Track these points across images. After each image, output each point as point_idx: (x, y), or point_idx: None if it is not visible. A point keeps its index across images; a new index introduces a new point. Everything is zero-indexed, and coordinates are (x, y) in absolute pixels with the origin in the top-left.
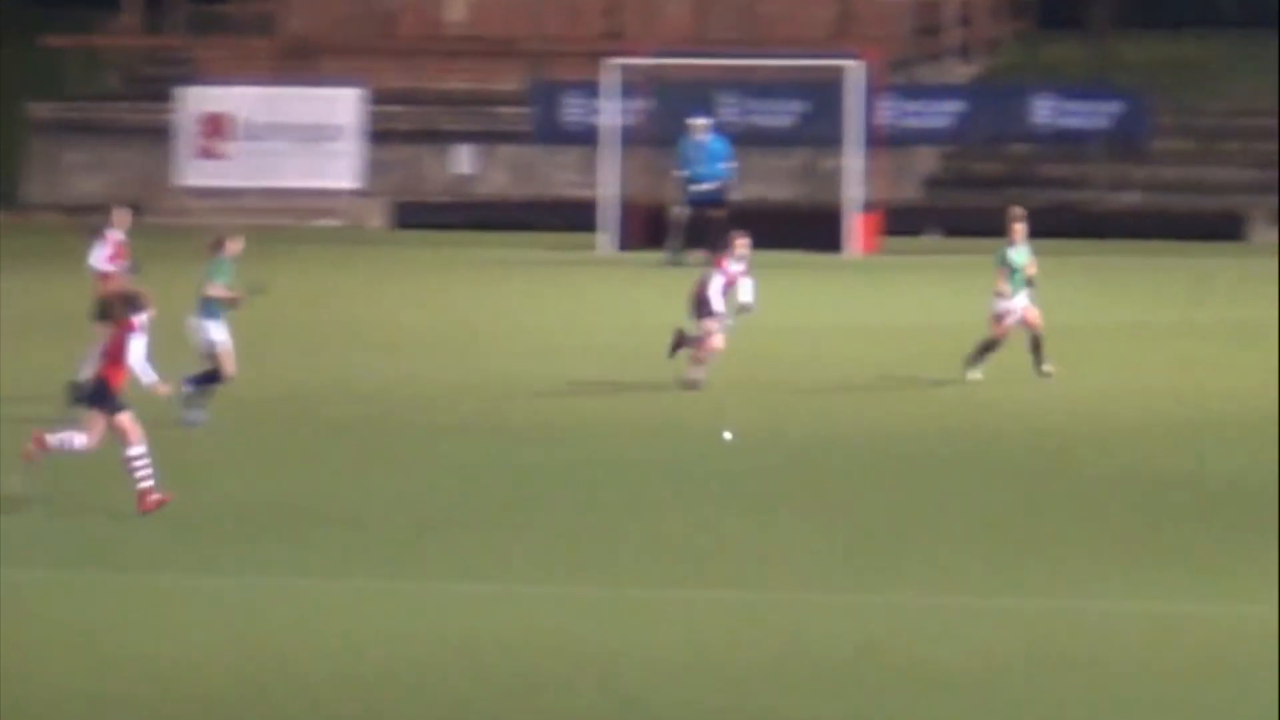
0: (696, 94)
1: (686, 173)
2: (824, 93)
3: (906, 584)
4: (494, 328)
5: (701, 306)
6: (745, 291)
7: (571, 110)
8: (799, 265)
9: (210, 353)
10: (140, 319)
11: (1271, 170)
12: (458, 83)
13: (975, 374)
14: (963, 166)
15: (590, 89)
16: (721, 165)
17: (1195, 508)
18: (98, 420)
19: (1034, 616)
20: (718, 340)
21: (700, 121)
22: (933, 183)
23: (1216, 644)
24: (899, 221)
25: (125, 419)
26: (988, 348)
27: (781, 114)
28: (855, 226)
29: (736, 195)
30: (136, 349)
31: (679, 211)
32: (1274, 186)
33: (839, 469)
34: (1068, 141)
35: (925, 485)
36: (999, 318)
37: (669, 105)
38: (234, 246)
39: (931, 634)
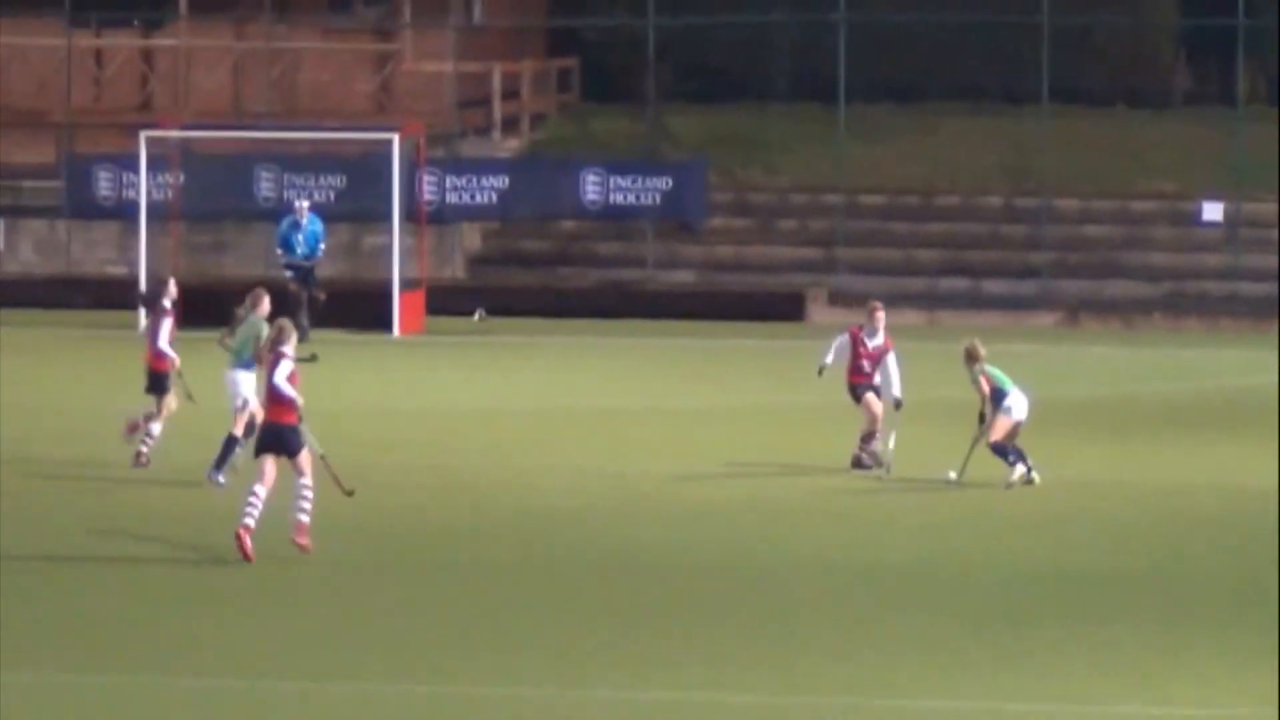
0: (233, 168)
1: (287, 252)
2: (365, 167)
3: None
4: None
5: None
6: None
7: (104, 184)
8: (347, 345)
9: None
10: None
11: (830, 249)
12: None
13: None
14: (508, 244)
15: (123, 162)
16: (321, 245)
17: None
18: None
19: None
20: None
21: (304, 204)
22: (478, 260)
23: None
24: (443, 300)
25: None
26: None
27: (322, 189)
28: (399, 305)
29: (273, 272)
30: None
31: (296, 291)
32: (833, 265)
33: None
34: (618, 218)
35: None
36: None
37: (204, 179)
38: (264, 305)
39: None
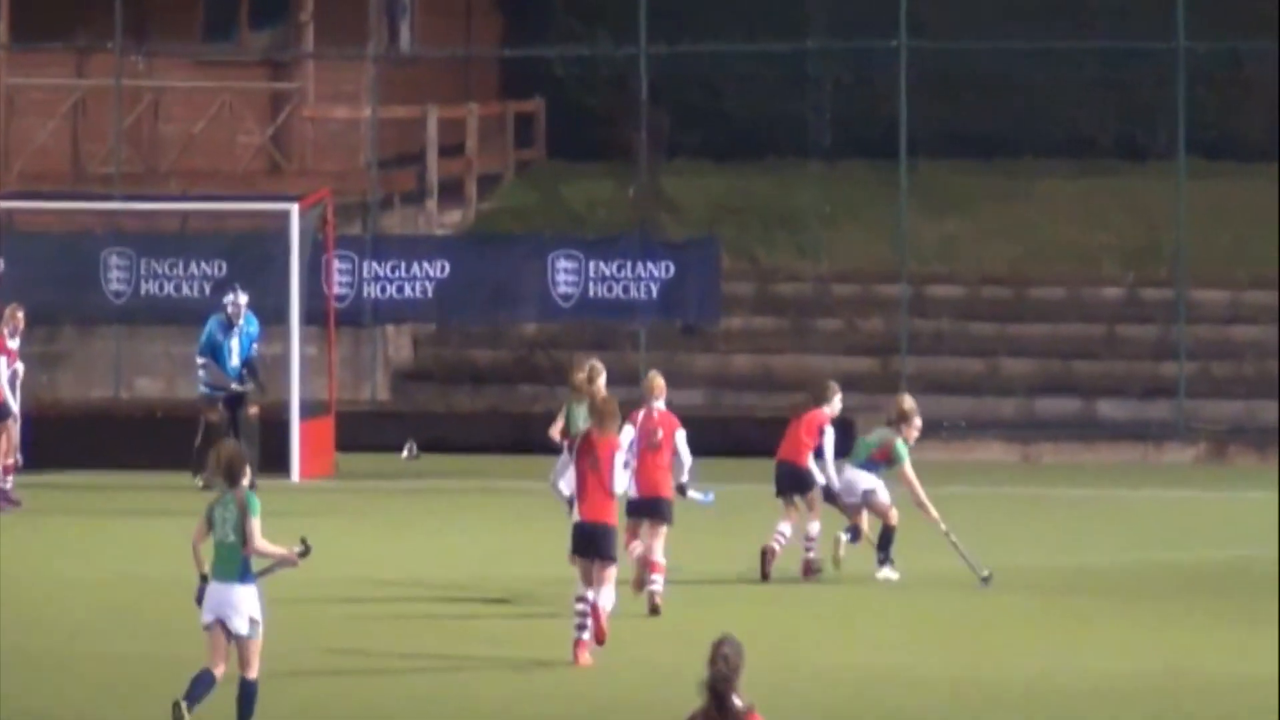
0: (72, 251)
1: (218, 364)
2: (252, 250)
3: None
4: None
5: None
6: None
7: None
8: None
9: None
10: None
11: (888, 358)
12: None
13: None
14: (449, 354)
15: None
16: (254, 347)
17: None
18: None
19: None
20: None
21: (242, 299)
22: (407, 376)
23: None
24: (360, 432)
25: None
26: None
27: (192, 280)
28: (299, 439)
29: (125, 395)
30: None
31: (216, 416)
32: (892, 381)
33: None
34: (598, 317)
35: None
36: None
37: (31, 267)
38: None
39: None
